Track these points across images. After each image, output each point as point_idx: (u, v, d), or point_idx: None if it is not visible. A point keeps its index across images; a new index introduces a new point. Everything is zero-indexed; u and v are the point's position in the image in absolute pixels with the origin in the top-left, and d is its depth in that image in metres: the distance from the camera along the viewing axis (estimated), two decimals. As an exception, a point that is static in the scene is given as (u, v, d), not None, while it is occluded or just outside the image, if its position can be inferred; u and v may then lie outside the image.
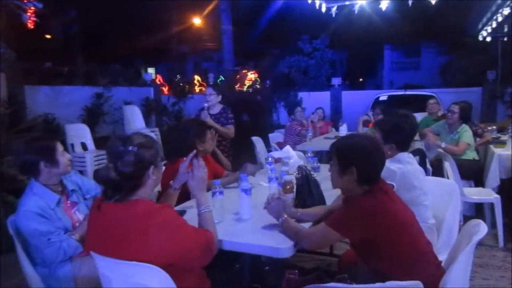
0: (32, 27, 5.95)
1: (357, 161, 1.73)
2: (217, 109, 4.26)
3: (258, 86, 14.51)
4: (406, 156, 2.36)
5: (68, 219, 2.10)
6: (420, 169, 2.40)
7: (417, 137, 4.66)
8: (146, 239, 1.46)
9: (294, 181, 2.27)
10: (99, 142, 7.23)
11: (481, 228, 1.64)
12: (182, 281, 1.52)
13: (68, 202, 2.19)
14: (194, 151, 1.94)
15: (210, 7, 15.06)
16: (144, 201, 1.57)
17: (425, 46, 21.78)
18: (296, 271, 1.95)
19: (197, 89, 16.15)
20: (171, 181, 2.03)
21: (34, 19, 5.66)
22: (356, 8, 5.68)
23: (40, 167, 2.07)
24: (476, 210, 4.23)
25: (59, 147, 2.15)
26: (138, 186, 1.57)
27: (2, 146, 4.84)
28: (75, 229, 2.10)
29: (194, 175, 1.84)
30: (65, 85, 9.39)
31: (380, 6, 5.44)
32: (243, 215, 2.07)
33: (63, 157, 2.14)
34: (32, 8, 5.75)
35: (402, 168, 2.22)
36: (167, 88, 13.89)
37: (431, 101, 6.21)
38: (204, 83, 16.74)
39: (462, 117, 4.61)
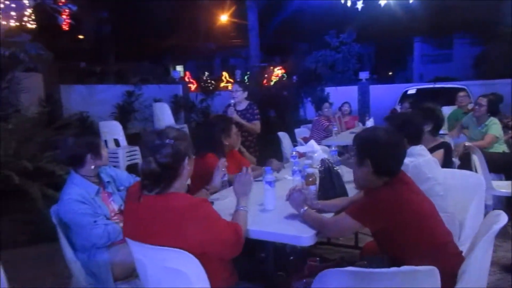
0: (67, 29, 6.22)
1: (372, 153, 1.79)
2: (243, 105, 4.36)
3: (285, 82, 14.53)
4: (418, 149, 2.40)
5: (106, 208, 2.28)
6: (434, 159, 2.43)
7: (444, 130, 4.61)
8: (185, 230, 1.57)
9: (317, 174, 2.34)
10: (131, 139, 7.50)
11: (502, 218, 1.67)
12: (211, 268, 1.62)
13: (105, 192, 2.37)
14: (245, 168, 2.10)
15: (235, 5, 15.16)
16: (183, 195, 1.69)
17: (457, 37, 21.08)
18: (318, 258, 2.03)
19: (225, 85, 16.33)
20: (207, 186, 2.20)
21: (69, 21, 5.92)
22: (382, 2, 5.63)
23: (86, 159, 2.28)
24: (505, 204, 4.16)
25: (101, 143, 2.38)
26: (176, 177, 1.68)
27: (42, 142, 5.14)
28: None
29: (242, 181, 2.00)
30: (98, 84, 9.75)
31: (407, -2, 5.39)
32: (267, 206, 2.17)
33: (104, 151, 2.37)
34: (67, 10, 6.00)
35: (413, 161, 2.26)
36: (195, 85, 14.12)
37: (461, 93, 6.10)
38: (231, 80, 16.91)
39: (489, 110, 4.53)
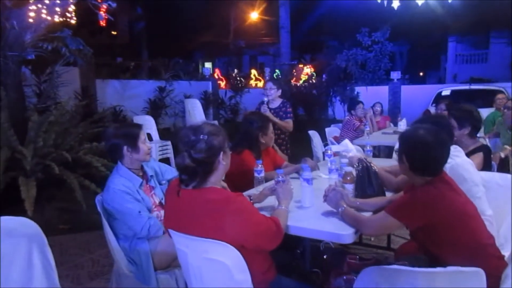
0: (105, 25, 6.40)
1: (408, 150, 1.84)
2: (276, 103, 4.38)
3: (314, 81, 14.46)
4: (453, 149, 2.36)
5: (149, 200, 2.35)
6: (469, 161, 2.40)
7: (480, 133, 4.51)
8: (223, 222, 1.61)
9: (355, 173, 2.35)
10: (162, 133, 7.66)
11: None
12: (251, 261, 1.66)
13: (148, 185, 2.44)
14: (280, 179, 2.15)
15: (267, 2, 15.17)
16: (220, 189, 1.73)
17: (494, 36, 20.38)
18: (357, 256, 2.05)
19: (253, 83, 16.40)
20: (268, 188, 2.21)
21: (107, 17, 6.09)
22: (420, 1, 5.54)
23: (123, 151, 2.31)
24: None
25: (142, 136, 2.37)
26: (211, 172, 1.71)
27: (79, 134, 5.33)
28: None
29: (283, 191, 2.04)
30: (131, 79, 9.99)
31: (446, -3, 5.27)
32: (304, 203, 2.19)
33: (144, 145, 2.36)
34: (105, 6, 6.17)
35: (450, 162, 2.23)
36: (224, 82, 14.25)
37: (500, 95, 5.93)
38: (260, 77, 16.95)
39: None
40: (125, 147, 2.30)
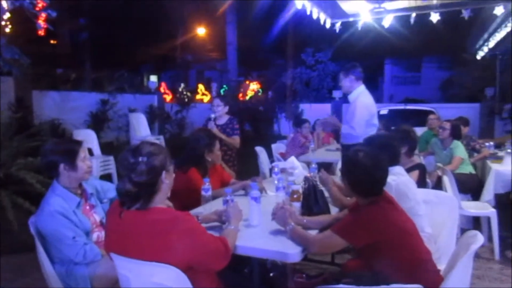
0: (43, 34, 6.08)
1: (349, 173, 1.94)
2: (224, 119, 4.37)
3: (261, 97, 14.67)
4: (397, 168, 2.48)
5: (87, 221, 2.19)
6: (411, 180, 2.53)
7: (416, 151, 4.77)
8: (170, 243, 1.55)
9: (301, 191, 2.37)
10: (104, 148, 7.34)
11: (478, 239, 1.74)
12: (198, 282, 1.61)
13: (87, 204, 2.28)
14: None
15: (214, 19, 15.26)
16: (165, 209, 1.67)
17: (426, 61, 22.02)
18: (304, 274, 2.05)
19: (200, 98, 16.31)
20: (218, 213, 2.17)
21: (46, 26, 5.78)
22: (360, 24, 5.82)
23: (60, 169, 2.16)
24: (474, 224, 4.33)
25: (82, 153, 2.22)
26: (154, 193, 1.65)
27: (13, 149, 4.95)
28: None
29: (234, 209, 2.07)
30: (72, 91, 9.53)
31: (383, 23, 5.59)
32: (252, 222, 2.17)
33: (83, 163, 2.21)
34: (44, 15, 5.86)
35: (396, 180, 2.34)
36: (170, 96, 14.03)
37: (432, 116, 6.34)
38: (207, 92, 16.90)
39: (453, 133, 4.75)
40: (62, 165, 2.15)
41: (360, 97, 4.01)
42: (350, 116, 3.99)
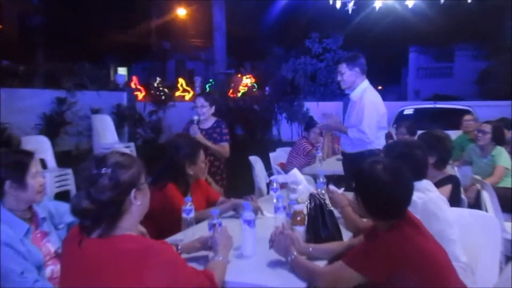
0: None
1: (363, 191, 1.92)
2: (209, 122, 4.36)
3: (255, 94, 14.71)
4: (424, 183, 2.48)
5: (38, 253, 2.16)
6: (442, 197, 2.52)
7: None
8: (141, 279, 1.53)
9: (306, 211, 2.38)
10: (61, 158, 7.31)
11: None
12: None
13: (38, 232, 2.26)
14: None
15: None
16: (136, 237, 1.65)
17: (459, 49, 22.13)
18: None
19: (180, 95, 16.33)
20: (202, 240, 2.18)
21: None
22: (377, 4, 5.87)
23: (5, 188, 2.13)
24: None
25: (33, 167, 2.20)
26: (121, 215, 1.63)
27: None
28: None
29: (222, 235, 2.07)
30: (20, 88, 9.50)
31: (406, 3, 5.64)
32: (245, 251, 2.17)
33: (35, 181, 2.18)
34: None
35: (423, 197, 2.34)
36: (143, 93, 14.05)
37: (467, 117, 6.36)
38: (189, 88, 16.93)
39: (495, 138, 4.76)
40: (7, 183, 2.13)
41: (367, 94, 4.06)
42: (356, 118, 4.02)
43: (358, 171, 1.97)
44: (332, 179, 5.53)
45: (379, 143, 4.03)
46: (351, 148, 4.03)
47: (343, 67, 4.15)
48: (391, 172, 1.88)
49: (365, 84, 4.12)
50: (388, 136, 6.18)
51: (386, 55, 20.75)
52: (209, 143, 4.15)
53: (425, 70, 24.97)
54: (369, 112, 3.94)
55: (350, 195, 2.43)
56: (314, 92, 14.37)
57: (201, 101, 4.33)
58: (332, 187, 2.77)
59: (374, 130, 3.93)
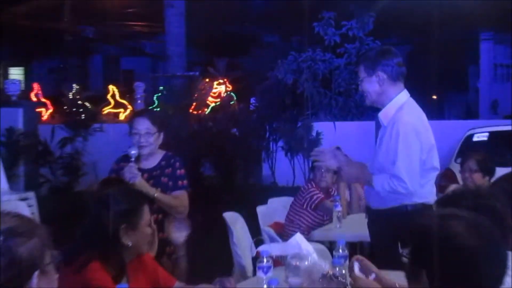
0: None
1: (432, 262, 1.85)
2: (155, 159, 4.42)
3: (234, 109, 14.75)
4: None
5: None
6: None
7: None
8: None
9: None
10: None
11: None
12: None
13: None
14: None
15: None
16: None
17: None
18: None
19: (110, 111, 16.38)
20: None
21: None
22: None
23: None
24: None
25: None
26: None
27: None
28: None
29: None
30: None
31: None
32: None
33: None
34: None
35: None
36: (50, 109, 14.08)
37: None
38: (125, 101, 16.97)
39: None
40: None
41: (404, 115, 3.96)
42: (387, 155, 3.98)
43: (418, 234, 1.94)
44: (358, 248, 5.57)
45: (427, 193, 4.02)
46: (379, 202, 3.99)
47: (361, 71, 4.16)
48: (478, 231, 1.87)
49: (402, 98, 4.08)
50: (448, 176, 6.25)
51: (443, 47, 21.04)
52: (156, 193, 4.16)
53: (505, 69, 25.31)
54: (407, 145, 3.88)
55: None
56: (329, 106, 14.44)
57: (144, 123, 4.35)
58: (357, 268, 2.76)
59: (416, 174, 3.91)
